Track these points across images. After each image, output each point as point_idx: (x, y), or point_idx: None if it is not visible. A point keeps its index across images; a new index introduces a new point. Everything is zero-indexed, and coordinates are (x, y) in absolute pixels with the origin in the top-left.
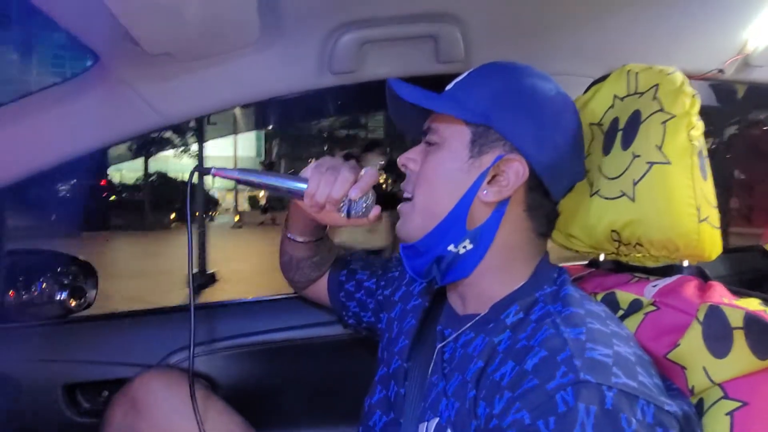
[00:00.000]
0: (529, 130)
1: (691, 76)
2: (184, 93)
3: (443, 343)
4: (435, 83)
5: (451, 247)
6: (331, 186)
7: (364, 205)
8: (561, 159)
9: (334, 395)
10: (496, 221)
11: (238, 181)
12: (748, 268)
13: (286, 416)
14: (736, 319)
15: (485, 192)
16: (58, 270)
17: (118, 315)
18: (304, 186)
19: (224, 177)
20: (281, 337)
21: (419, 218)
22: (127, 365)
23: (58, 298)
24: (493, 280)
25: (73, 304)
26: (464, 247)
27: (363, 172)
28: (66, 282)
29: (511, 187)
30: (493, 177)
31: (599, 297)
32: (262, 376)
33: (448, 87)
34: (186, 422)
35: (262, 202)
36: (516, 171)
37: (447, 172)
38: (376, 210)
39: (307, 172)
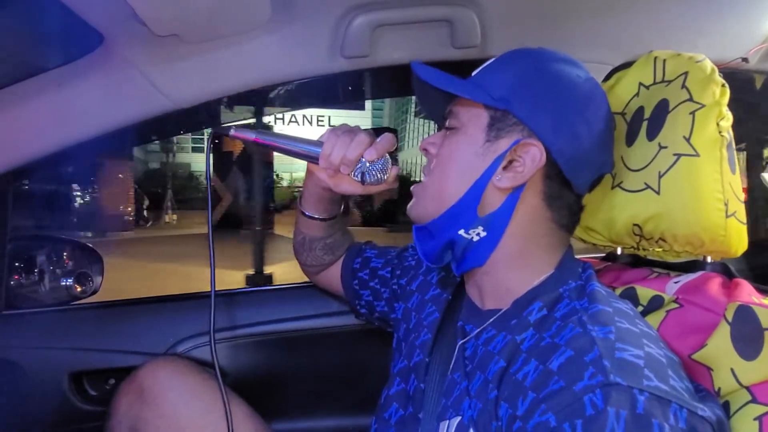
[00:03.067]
0: (548, 115)
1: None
2: (192, 76)
3: (464, 340)
4: (454, 70)
5: (461, 232)
6: (346, 147)
7: (380, 169)
8: (582, 148)
9: (344, 386)
10: (510, 208)
11: (255, 144)
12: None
13: (295, 406)
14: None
15: (499, 177)
16: (64, 256)
17: (126, 303)
18: (319, 150)
19: (241, 139)
20: (291, 327)
21: (430, 201)
22: (133, 353)
23: (63, 284)
24: (510, 271)
25: (79, 290)
26: (477, 234)
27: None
28: (71, 268)
29: (526, 173)
30: (510, 163)
31: (618, 292)
32: (271, 366)
33: (474, 72)
34: (192, 411)
35: None
36: (532, 156)
37: (462, 155)
38: (395, 170)
39: (323, 136)
